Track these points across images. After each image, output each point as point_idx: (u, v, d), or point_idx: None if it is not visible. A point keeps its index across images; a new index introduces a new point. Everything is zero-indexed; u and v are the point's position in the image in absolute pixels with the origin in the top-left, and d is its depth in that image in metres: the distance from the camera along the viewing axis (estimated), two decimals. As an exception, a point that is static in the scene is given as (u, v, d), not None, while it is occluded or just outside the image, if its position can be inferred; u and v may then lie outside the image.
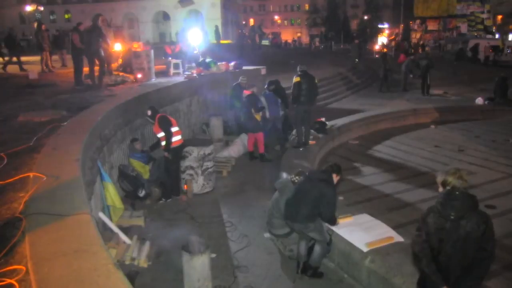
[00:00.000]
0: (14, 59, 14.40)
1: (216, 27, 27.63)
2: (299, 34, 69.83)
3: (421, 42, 35.42)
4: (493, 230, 2.98)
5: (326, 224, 4.74)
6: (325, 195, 4.41)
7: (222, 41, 28.62)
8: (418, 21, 46.64)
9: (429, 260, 3.04)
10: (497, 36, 40.73)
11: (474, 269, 2.95)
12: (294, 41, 53.65)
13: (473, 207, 2.94)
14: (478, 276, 2.99)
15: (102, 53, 10.11)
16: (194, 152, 6.95)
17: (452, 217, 2.91)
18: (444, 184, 3.06)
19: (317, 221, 4.60)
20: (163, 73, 11.66)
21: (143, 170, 7.11)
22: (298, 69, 8.40)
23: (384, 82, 18.51)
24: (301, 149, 8.42)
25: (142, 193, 6.64)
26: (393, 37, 44.36)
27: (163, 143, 6.66)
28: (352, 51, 25.30)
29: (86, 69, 10.69)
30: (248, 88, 9.06)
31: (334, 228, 4.83)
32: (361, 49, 25.13)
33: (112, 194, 5.42)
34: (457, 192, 2.95)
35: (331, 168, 4.54)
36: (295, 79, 8.18)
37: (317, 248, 4.64)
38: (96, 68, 10.23)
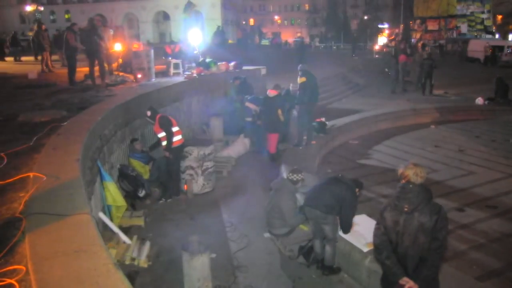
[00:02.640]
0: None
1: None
2: (299, 34, 69.80)
3: (421, 42, 35.35)
4: (446, 221, 3.08)
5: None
6: (347, 198, 4.54)
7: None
8: (418, 21, 46.61)
9: (389, 252, 3.17)
10: (497, 36, 40.75)
11: (428, 258, 3.07)
12: (295, 41, 53.50)
13: (426, 199, 3.06)
14: (433, 265, 3.10)
15: (101, 53, 10.12)
16: (194, 152, 6.94)
17: (405, 210, 3.06)
18: (401, 177, 3.21)
19: (335, 218, 4.68)
20: (163, 73, 11.66)
21: (143, 170, 7.11)
22: (299, 68, 8.35)
23: (397, 83, 17.82)
24: (300, 148, 8.43)
25: (142, 193, 6.63)
26: (393, 37, 44.31)
27: (164, 143, 6.66)
28: (386, 60, 19.90)
29: (86, 69, 10.70)
30: (274, 88, 8.91)
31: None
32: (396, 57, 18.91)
33: (114, 192, 5.41)
34: (411, 185, 3.09)
35: (355, 182, 4.75)
36: (301, 79, 8.12)
37: (328, 249, 4.71)
38: (96, 68, 10.24)
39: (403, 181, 3.18)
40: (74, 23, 10.97)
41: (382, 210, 3.25)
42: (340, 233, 4.74)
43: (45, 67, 13.57)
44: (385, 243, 3.19)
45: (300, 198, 5.37)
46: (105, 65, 10.73)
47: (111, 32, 12.18)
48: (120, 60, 12.78)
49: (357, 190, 4.68)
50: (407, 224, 3.07)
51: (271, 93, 8.62)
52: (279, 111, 8.45)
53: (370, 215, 5.19)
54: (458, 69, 24.78)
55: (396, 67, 17.69)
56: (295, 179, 5.19)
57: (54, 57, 15.13)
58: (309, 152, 8.36)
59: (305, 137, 8.70)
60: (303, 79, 8.08)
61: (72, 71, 10.29)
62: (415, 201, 3.04)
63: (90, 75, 10.18)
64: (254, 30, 34.13)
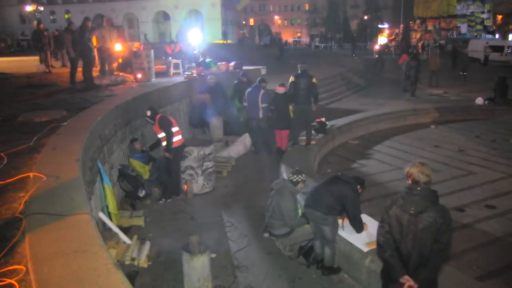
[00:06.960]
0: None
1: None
2: (299, 34, 69.87)
3: (421, 43, 35.34)
4: (451, 224, 3.08)
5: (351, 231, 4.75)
6: (348, 196, 4.50)
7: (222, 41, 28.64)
8: (418, 21, 46.61)
9: (392, 250, 3.18)
10: (497, 36, 40.73)
11: (430, 260, 3.08)
12: (295, 41, 53.60)
13: (433, 202, 3.05)
14: (434, 266, 3.11)
15: (90, 54, 10.07)
16: (194, 152, 6.95)
17: (412, 212, 3.05)
18: (407, 176, 3.17)
19: (335, 219, 4.67)
20: (163, 73, 11.66)
21: (143, 170, 7.11)
22: (298, 67, 8.38)
23: (411, 86, 16.98)
24: (299, 147, 8.41)
25: (142, 193, 6.64)
26: (393, 37, 44.32)
27: (164, 143, 6.66)
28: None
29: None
30: (281, 85, 8.84)
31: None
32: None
33: (109, 198, 5.39)
34: (418, 188, 3.06)
35: (356, 179, 4.73)
36: (291, 78, 8.19)
37: (327, 250, 4.70)
38: (95, 68, 10.22)
39: (409, 180, 3.14)
40: (71, 22, 10.97)
41: (387, 208, 3.23)
42: (340, 232, 4.74)
43: (45, 67, 13.56)
44: (389, 241, 3.19)
45: (301, 199, 5.36)
46: (96, 66, 10.63)
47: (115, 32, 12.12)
48: (120, 60, 12.77)
49: (359, 187, 4.62)
50: (411, 226, 3.07)
51: (281, 90, 8.59)
52: (290, 107, 8.47)
53: (370, 215, 5.19)
54: (458, 69, 24.73)
55: (416, 69, 16.79)
56: (295, 180, 5.19)
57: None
58: (309, 152, 8.36)
59: (304, 137, 8.70)
60: (292, 78, 8.11)
61: (74, 70, 10.28)
62: (422, 204, 3.02)
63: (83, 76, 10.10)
64: (254, 30, 34.17)
